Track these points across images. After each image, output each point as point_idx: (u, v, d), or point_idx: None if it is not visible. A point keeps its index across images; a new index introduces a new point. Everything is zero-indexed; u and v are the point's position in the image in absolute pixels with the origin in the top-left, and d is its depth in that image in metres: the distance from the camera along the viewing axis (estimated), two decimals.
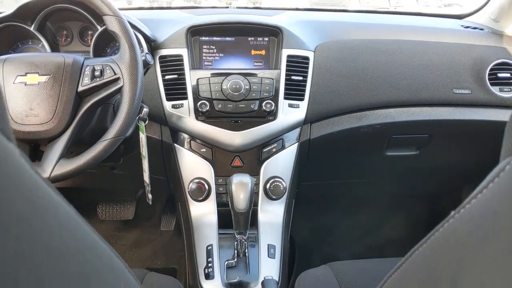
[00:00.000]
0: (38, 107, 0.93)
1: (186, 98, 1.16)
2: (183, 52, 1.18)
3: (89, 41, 1.24)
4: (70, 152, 1.04)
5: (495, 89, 1.27)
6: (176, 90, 1.17)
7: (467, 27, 1.43)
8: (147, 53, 1.09)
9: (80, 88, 0.95)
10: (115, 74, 0.96)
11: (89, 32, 1.25)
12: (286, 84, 1.17)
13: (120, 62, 0.96)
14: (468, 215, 0.35)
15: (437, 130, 1.31)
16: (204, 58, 1.22)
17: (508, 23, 1.38)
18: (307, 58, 1.20)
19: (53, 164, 0.93)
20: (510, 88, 1.27)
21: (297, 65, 1.19)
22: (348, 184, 1.61)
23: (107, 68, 0.96)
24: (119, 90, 0.96)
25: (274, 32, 1.22)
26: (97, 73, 0.96)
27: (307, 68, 1.20)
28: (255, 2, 1.67)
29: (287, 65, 1.18)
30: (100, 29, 1.16)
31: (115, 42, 1.22)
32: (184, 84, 1.16)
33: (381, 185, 1.67)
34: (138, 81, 0.95)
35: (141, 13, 1.49)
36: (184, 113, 1.16)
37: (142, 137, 1.09)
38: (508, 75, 1.27)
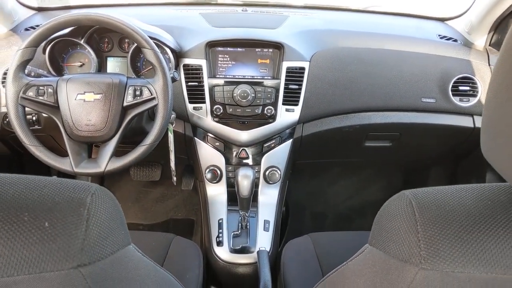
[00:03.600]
0: (94, 118, 1.23)
1: (204, 102, 1.46)
2: (203, 62, 1.46)
3: (126, 48, 1.52)
4: None
5: (455, 99, 1.54)
6: (196, 95, 1.46)
7: (444, 36, 1.67)
8: (174, 71, 1.37)
9: (125, 104, 1.25)
10: (151, 94, 1.24)
11: (126, 41, 1.52)
12: (284, 92, 1.46)
13: (156, 85, 1.24)
14: (346, 270, 0.67)
15: (406, 130, 1.61)
16: (219, 65, 1.50)
17: (477, 37, 1.62)
18: (303, 69, 1.47)
19: (106, 161, 1.25)
20: (468, 99, 1.55)
21: (294, 75, 1.46)
22: (334, 162, 1.94)
23: (145, 89, 1.25)
24: (155, 106, 1.26)
25: (277, 46, 1.48)
26: (137, 92, 1.25)
27: (302, 77, 1.47)
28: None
29: (286, 76, 1.46)
30: (136, 43, 1.44)
31: None
32: (203, 90, 1.46)
33: (364, 162, 2.00)
34: (169, 101, 1.24)
35: (167, 14, 1.75)
36: (203, 114, 1.47)
37: (170, 136, 1.41)
38: (468, 88, 1.53)
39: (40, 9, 1.76)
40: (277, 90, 1.46)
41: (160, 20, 1.57)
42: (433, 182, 2.02)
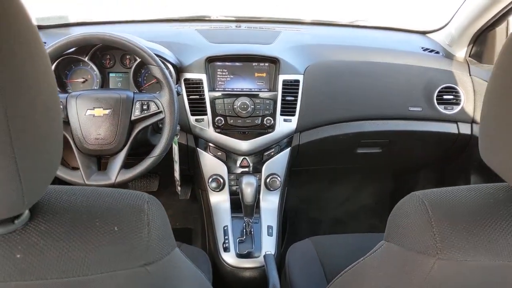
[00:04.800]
0: (103, 132, 1.28)
1: (206, 114, 1.53)
2: (203, 77, 1.53)
3: (128, 64, 1.58)
4: None
5: (440, 108, 1.65)
6: (198, 107, 1.53)
7: (426, 49, 1.78)
8: (178, 85, 1.44)
9: (133, 118, 1.30)
10: (158, 108, 1.31)
11: (128, 57, 1.58)
12: (282, 104, 1.54)
13: (162, 99, 1.30)
14: (362, 265, 0.74)
15: (395, 137, 1.72)
16: (218, 79, 1.57)
17: (458, 49, 1.74)
18: (297, 81, 1.56)
19: (116, 173, 1.30)
20: (452, 107, 1.66)
21: (290, 87, 1.55)
22: (328, 168, 2.03)
23: (152, 103, 1.31)
24: (161, 119, 1.32)
25: (273, 60, 1.57)
26: (144, 107, 1.31)
27: (298, 89, 1.56)
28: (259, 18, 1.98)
29: (282, 88, 1.54)
30: (138, 59, 1.50)
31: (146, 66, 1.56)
32: (204, 103, 1.53)
33: (356, 168, 2.10)
34: (175, 114, 1.30)
35: (164, 31, 1.81)
36: (205, 126, 1.54)
37: (175, 147, 1.47)
38: (452, 97, 1.65)
39: (40, 27, 1.80)
40: (275, 102, 1.54)
41: (159, 37, 1.64)
42: (421, 186, 2.12)
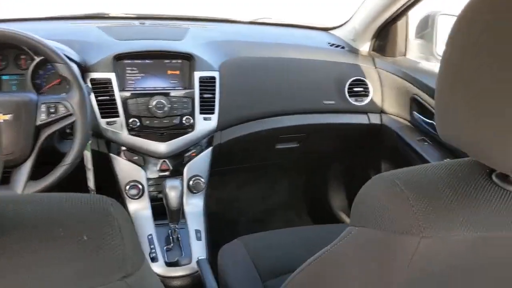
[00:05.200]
0: (4, 141, 1.11)
1: (118, 116, 1.41)
2: (112, 76, 1.41)
3: (23, 65, 1.40)
4: None
5: (352, 100, 1.72)
6: (108, 109, 1.40)
7: (332, 44, 1.84)
8: (86, 85, 1.30)
9: (38, 123, 1.15)
10: (68, 111, 1.17)
11: (22, 57, 1.40)
12: (200, 102, 1.48)
13: (72, 101, 1.17)
14: (330, 255, 0.71)
15: (311, 130, 1.75)
16: (128, 78, 1.46)
17: (362, 44, 1.83)
18: (213, 78, 1.51)
19: (23, 186, 1.14)
20: (362, 99, 1.73)
21: (207, 84, 1.49)
22: (246, 167, 2.01)
23: (61, 106, 1.17)
24: (72, 123, 1.18)
25: (186, 57, 1.50)
26: (52, 110, 1.17)
27: (215, 86, 1.51)
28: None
29: (199, 85, 1.48)
30: (37, 59, 1.33)
31: (46, 66, 1.39)
32: (115, 104, 1.41)
33: (273, 164, 2.10)
34: (87, 116, 1.18)
35: (62, 29, 1.65)
36: (118, 129, 1.41)
37: (87, 153, 1.33)
38: (361, 89, 1.72)
39: None
40: (193, 100, 1.47)
41: (56, 35, 1.47)
42: (334, 177, 2.19)
